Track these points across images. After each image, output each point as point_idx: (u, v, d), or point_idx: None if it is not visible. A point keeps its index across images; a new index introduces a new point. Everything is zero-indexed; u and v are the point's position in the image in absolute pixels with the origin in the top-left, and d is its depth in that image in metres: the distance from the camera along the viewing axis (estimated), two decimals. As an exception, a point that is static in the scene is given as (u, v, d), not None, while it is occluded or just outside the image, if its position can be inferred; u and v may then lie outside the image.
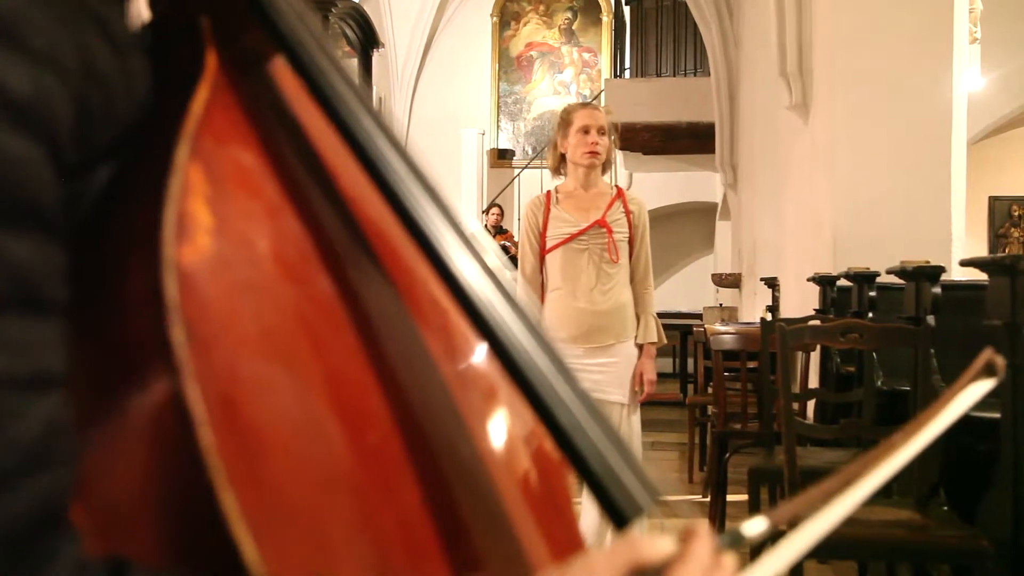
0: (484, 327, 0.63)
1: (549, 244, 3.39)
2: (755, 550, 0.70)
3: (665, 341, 3.53)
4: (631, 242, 3.43)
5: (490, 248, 0.68)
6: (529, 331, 0.64)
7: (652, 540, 0.55)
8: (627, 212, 3.41)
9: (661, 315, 10.94)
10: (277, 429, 0.51)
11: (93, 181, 0.54)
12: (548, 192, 3.50)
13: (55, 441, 0.45)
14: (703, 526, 0.55)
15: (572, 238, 3.34)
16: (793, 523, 0.59)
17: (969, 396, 0.70)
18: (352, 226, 0.66)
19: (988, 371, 0.71)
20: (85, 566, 0.45)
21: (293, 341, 0.55)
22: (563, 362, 0.64)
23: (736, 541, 0.57)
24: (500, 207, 10.97)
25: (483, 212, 11.11)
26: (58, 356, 0.47)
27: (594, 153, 3.36)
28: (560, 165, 3.51)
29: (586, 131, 3.35)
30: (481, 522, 0.65)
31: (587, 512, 2.84)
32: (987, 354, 0.72)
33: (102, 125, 0.53)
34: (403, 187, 0.64)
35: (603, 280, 3.34)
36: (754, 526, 0.58)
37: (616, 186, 3.54)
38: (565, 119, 3.43)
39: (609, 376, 3.30)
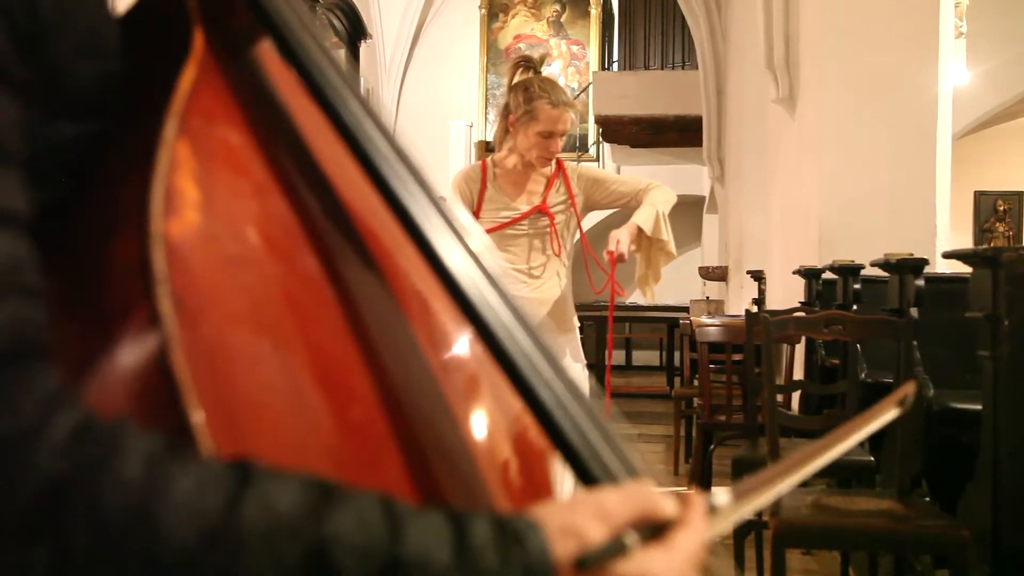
0: (468, 308, 0.63)
1: (481, 227, 2.90)
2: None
3: (665, 238, 3.19)
4: (578, 219, 3.06)
5: (475, 232, 0.68)
6: (512, 313, 0.65)
7: (664, 496, 0.58)
8: (571, 195, 3.02)
9: (647, 309, 10.55)
10: (263, 400, 0.52)
11: (63, 128, 0.54)
12: (483, 163, 3.04)
13: (18, 274, 0.46)
14: (697, 495, 0.60)
15: (510, 223, 2.95)
16: (750, 497, 0.66)
17: (884, 418, 0.81)
18: (338, 207, 0.67)
19: (901, 402, 0.82)
20: (62, 398, 0.46)
21: (279, 315, 0.56)
22: (545, 343, 0.65)
23: (711, 509, 0.61)
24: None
25: None
26: (18, 200, 0.48)
27: (550, 159, 2.96)
28: (506, 139, 3.01)
29: (548, 136, 2.89)
30: (461, 500, 0.66)
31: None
32: (908, 386, 0.82)
33: (58, 30, 0.53)
34: (390, 170, 0.64)
35: (536, 269, 2.98)
36: (721, 496, 0.63)
37: (557, 160, 3.03)
38: (530, 112, 2.90)
39: None
